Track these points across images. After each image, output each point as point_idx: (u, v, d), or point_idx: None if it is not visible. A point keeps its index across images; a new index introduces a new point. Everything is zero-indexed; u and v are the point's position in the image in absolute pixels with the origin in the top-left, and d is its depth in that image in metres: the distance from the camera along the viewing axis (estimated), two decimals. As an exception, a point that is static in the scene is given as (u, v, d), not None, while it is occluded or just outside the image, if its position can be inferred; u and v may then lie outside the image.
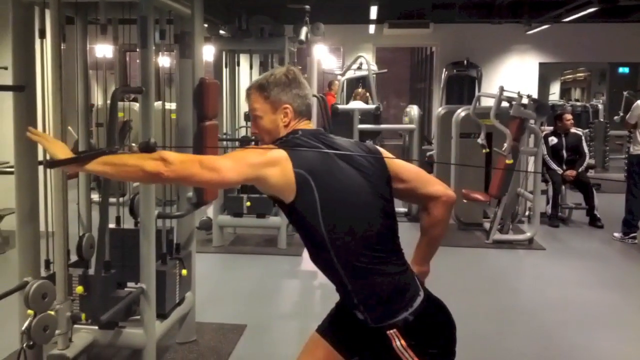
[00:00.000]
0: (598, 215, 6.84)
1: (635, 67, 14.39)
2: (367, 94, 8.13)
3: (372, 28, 10.53)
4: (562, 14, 8.79)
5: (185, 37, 3.28)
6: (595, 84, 17.11)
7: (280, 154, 1.64)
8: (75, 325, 2.76)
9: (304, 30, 5.72)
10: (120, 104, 4.27)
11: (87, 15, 3.25)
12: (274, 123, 1.78)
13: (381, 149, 1.84)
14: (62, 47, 2.78)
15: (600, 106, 13.04)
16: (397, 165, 1.81)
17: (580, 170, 6.83)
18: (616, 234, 6.22)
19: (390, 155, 1.83)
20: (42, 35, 2.69)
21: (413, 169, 1.85)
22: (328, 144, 1.75)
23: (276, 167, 1.62)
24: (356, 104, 7.55)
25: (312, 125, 1.84)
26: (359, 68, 9.28)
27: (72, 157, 1.64)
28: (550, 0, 8.69)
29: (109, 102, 2.83)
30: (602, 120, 11.92)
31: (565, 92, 18.87)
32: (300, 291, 4.75)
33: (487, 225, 6.32)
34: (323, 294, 4.64)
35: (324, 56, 9.33)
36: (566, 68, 17.86)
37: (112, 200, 3.02)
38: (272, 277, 5.06)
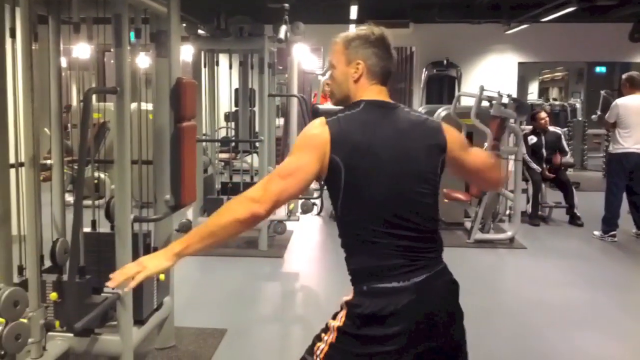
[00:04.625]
0: (578, 214, 6.89)
1: (612, 66, 14.57)
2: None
3: (352, 28, 10.50)
4: (541, 13, 8.86)
5: (161, 36, 3.21)
6: (572, 83, 17.32)
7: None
8: (49, 333, 2.69)
9: (283, 28, 5.68)
10: (97, 104, 4.22)
11: (60, 14, 3.16)
12: (344, 75, 1.80)
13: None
14: (33, 47, 2.70)
15: (578, 105, 13.20)
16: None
17: (563, 161, 6.94)
18: (596, 233, 6.26)
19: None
20: (13, 34, 2.61)
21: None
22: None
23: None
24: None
25: (384, 91, 1.81)
26: (339, 68, 9.25)
27: (166, 257, 1.63)
28: (529, 2, 8.74)
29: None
30: (580, 119, 12.05)
31: (543, 92, 19.09)
32: (281, 294, 4.70)
33: (468, 224, 6.32)
34: (305, 297, 4.60)
35: (304, 56, 9.27)
36: (544, 67, 18.06)
37: (88, 202, 2.94)
38: (252, 280, 5.00)
